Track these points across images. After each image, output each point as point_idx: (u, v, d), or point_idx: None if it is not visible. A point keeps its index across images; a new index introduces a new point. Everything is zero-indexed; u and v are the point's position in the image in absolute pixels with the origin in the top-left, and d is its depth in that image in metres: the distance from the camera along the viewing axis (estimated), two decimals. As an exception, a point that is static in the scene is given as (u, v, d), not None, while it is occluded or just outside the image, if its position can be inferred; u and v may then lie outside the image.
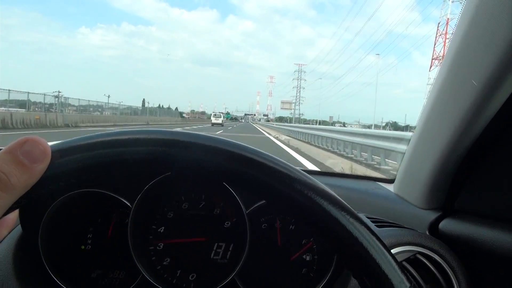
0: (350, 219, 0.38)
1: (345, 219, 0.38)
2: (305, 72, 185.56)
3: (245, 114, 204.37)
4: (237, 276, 0.76)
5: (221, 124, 55.97)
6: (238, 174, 0.37)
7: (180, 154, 0.37)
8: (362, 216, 0.85)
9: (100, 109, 39.28)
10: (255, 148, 0.39)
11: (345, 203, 0.39)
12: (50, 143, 0.35)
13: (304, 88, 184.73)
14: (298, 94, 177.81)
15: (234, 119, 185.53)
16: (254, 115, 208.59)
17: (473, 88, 0.63)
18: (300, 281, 0.82)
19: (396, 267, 0.38)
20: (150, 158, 0.37)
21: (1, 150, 0.33)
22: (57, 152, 0.34)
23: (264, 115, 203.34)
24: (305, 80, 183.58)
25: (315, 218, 0.38)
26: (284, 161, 0.39)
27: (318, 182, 0.39)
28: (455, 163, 0.76)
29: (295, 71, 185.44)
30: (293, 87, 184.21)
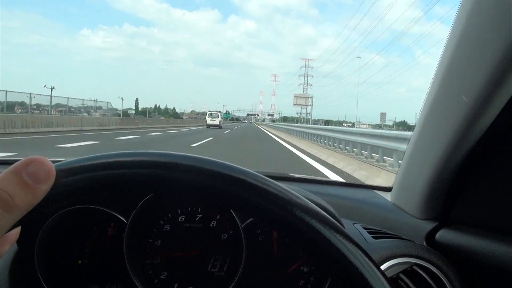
0: (343, 240, 0.38)
1: (338, 241, 0.37)
2: (312, 67, 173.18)
3: (248, 114, 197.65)
4: None
5: (218, 126, 44.72)
6: (222, 194, 0.38)
7: (183, 177, 0.37)
8: (358, 227, 0.85)
9: (88, 110, 35.25)
10: (252, 171, 0.39)
11: (336, 223, 0.39)
12: (54, 163, 0.35)
13: (311, 85, 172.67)
14: (305, 91, 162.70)
15: (236, 119, 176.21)
16: (257, 115, 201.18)
17: (465, 103, 0.63)
18: None
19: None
20: (152, 179, 0.37)
21: (6, 170, 0.33)
22: (61, 172, 0.35)
23: (269, 115, 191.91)
24: (312, 76, 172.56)
25: (307, 241, 0.38)
26: (272, 180, 0.39)
27: (306, 200, 0.39)
28: (451, 173, 0.76)
29: (301, 67, 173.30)
30: (299, 85, 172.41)
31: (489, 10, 0.56)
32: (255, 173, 0.39)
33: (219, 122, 46.48)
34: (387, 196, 1.01)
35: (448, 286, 0.70)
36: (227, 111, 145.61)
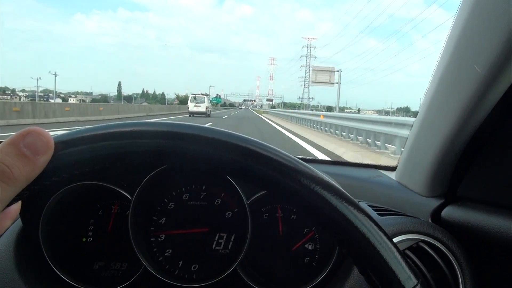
0: (356, 213, 0.37)
1: (350, 213, 0.37)
2: (315, 48, 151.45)
3: (244, 100, 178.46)
4: (239, 266, 0.76)
5: (205, 114, 33.46)
6: (237, 166, 0.37)
7: (185, 147, 0.36)
8: (364, 204, 0.85)
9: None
10: (255, 139, 0.38)
11: (350, 196, 0.38)
12: (53, 134, 0.35)
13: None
14: (307, 74, 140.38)
15: (230, 105, 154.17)
16: (254, 101, 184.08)
17: (476, 74, 0.62)
18: (302, 270, 0.82)
19: (403, 263, 0.37)
20: (155, 150, 0.36)
21: (3, 142, 0.32)
22: (60, 144, 0.34)
23: (268, 100, 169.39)
24: (315, 57, 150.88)
25: (320, 213, 0.37)
26: (284, 152, 0.38)
27: (321, 173, 0.38)
28: (458, 150, 0.75)
29: (303, 47, 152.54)
30: (301, 67, 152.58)
31: None
32: (258, 141, 0.38)
33: (206, 108, 33.43)
34: (392, 175, 1.01)
35: (454, 262, 0.70)
36: (217, 95, 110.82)
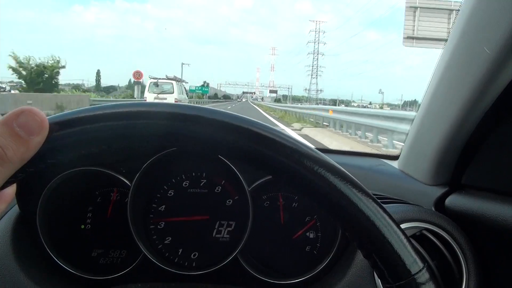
0: (361, 196, 0.36)
1: (355, 196, 0.36)
2: (324, 32, 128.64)
3: (243, 92, 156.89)
4: (240, 254, 0.76)
5: None
6: (244, 149, 0.36)
7: (187, 128, 0.35)
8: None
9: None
10: (262, 123, 0.37)
11: (355, 179, 0.38)
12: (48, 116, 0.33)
13: (323, 54, 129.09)
14: (316, 62, 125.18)
15: (224, 97, 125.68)
16: (254, 93, 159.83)
17: (482, 63, 0.62)
18: (303, 259, 0.81)
19: (409, 247, 0.36)
20: (155, 132, 0.35)
21: None
22: (55, 125, 0.33)
23: (271, 92, 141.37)
24: (325, 43, 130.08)
25: (324, 196, 0.37)
26: (292, 136, 0.38)
27: (327, 157, 0.37)
28: (462, 138, 0.74)
29: (310, 31, 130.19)
30: (308, 54, 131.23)
31: None
32: (275, 128, 0.37)
33: (175, 100, 19.71)
34: (394, 164, 1.00)
35: (458, 251, 0.70)
36: (204, 82, 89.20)
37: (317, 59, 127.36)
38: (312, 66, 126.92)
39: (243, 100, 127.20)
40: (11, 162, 0.31)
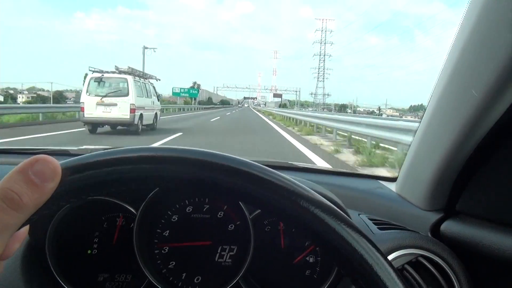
0: (353, 234, 0.38)
1: (349, 236, 0.37)
2: (331, 32, 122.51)
3: (245, 98, 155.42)
4: (242, 279, 0.78)
5: (128, 124, 11.38)
6: (227, 188, 0.38)
7: (185, 171, 0.37)
8: (364, 217, 0.86)
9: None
10: (244, 159, 0.39)
11: (342, 214, 0.39)
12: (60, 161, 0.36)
13: (330, 56, 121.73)
14: (322, 64, 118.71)
15: (222, 103, 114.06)
16: (255, 98, 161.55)
17: (474, 97, 0.63)
18: (304, 283, 0.83)
19: (397, 279, 0.38)
20: (158, 175, 0.37)
21: (12, 170, 0.34)
22: (67, 170, 0.35)
23: (275, 96, 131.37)
24: (332, 44, 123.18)
25: (317, 236, 0.38)
26: (276, 172, 0.39)
27: (311, 190, 0.39)
28: (458, 164, 0.76)
29: (316, 30, 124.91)
30: (314, 55, 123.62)
31: (501, 3, 0.55)
32: (260, 165, 0.39)
33: (132, 111, 11.25)
34: (392, 186, 1.02)
35: (453, 277, 0.71)
36: (194, 83, 79.55)
37: (324, 60, 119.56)
38: (319, 69, 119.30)
39: (245, 105, 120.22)
40: (27, 207, 0.33)
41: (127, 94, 11.34)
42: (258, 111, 59.68)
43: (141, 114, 11.84)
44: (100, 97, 11.26)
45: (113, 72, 11.96)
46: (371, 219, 0.85)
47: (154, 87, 14.29)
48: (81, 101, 11.48)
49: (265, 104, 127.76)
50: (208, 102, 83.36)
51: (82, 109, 11.29)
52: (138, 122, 11.59)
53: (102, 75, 11.69)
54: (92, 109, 11.14)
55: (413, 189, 0.91)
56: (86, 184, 0.36)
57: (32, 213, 0.34)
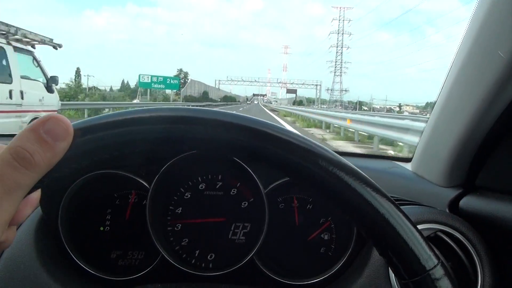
0: (376, 196, 0.37)
1: (370, 196, 0.37)
2: (350, 21, 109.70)
3: (254, 95, 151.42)
4: (256, 256, 0.77)
5: None
6: (261, 152, 0.37)
7: (204, 132, 0.36)
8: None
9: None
10: (277, 125, 0.38)
11: (370, 179, 0.38)
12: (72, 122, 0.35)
13: (348, 48, 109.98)
14: (339, 57, 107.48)
15: (225, 99, 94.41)
16: (265, 95, 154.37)
17: (498, 63, 0.62)
18: (318, 260, 0.82)
19: (424, 243, 0.37)
20: (173, 136, 0.36)
21: (24, 128, 0.33)
22: (79, 131, 0.34)
23: (288, 91, 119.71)
24: (350, 34, 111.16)
25: (340, 195, 0.37)
26: (308, 138, 0.38)
27: (343, 158, 0.38)
28: (477, 139, 0.74)
29: (333, 20, 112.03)
30: (330, 47, 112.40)
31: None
32: (290, 130, 0.38)
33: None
34: (407, 166, 1.01)
35: (472, 252, 0.70)
36: (180, 71, 66.95)
37: (341, 53, 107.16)
38: (335, 61, 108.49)
39: (255, 102, 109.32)
40: (38, 166, 0.32)
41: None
42: (271, 110, 49.19)
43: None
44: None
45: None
46: None
47: (38, 61, 7.43)
48: None
49: (276, 101, 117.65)
50: (204, 98, 64.47)
51: None
52: None
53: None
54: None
55: (430, 167, 0.89)
56: (99, 146, 0.35)
57: (44, 173, 0.33)
